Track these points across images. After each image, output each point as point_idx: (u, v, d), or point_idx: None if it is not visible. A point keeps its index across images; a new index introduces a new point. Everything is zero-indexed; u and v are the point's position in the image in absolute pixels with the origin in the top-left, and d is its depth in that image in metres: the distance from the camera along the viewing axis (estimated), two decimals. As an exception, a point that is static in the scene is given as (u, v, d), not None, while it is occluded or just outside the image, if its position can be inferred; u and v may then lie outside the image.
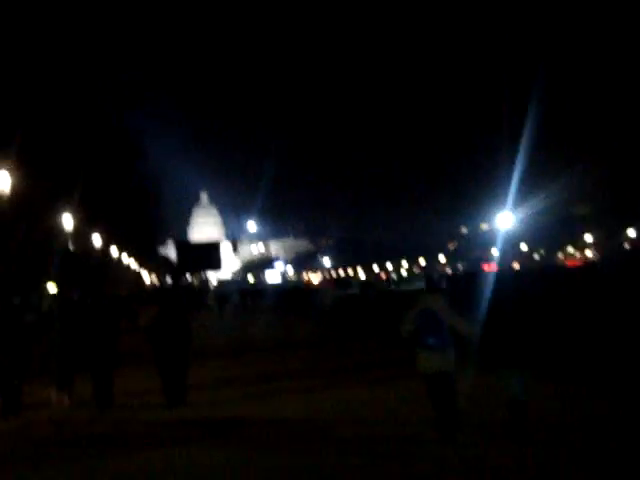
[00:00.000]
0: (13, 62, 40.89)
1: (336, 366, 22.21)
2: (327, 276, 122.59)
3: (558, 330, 18.78)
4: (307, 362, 23.52)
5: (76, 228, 52.48)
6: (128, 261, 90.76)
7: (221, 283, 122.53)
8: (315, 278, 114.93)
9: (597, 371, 16.77)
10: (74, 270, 51.25)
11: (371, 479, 10.35)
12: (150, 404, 16.78)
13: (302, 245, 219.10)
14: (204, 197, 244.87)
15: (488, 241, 68.87)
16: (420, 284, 34.90)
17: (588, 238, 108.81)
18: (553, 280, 31.54)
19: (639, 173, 72.57)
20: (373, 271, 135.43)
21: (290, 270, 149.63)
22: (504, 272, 24.19)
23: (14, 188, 35.89)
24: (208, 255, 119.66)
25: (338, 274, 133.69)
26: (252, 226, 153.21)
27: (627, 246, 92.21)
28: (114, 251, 75.88)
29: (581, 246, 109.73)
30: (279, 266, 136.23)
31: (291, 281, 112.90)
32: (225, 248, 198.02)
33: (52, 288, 48.06)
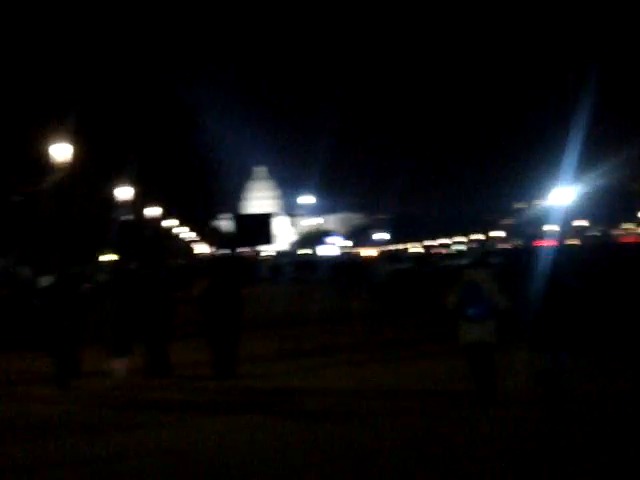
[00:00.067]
0: (72, 35, 41.16)
1: (389, 340, 22.18)
2: (382, 250, 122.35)
3: (613, 307, 18.51)
4: (360, 336, 23.49)
5: (133, 199, 52.88)
6: (184, 232, 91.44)
7: (276, 255, 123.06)
8: (370, 252, 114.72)
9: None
10: (131, 241, 51.72)
11: (410, 451, 10.31)
12: (201, 375, 16.88)
13: (358, 219, 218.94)
14: (260, 171, 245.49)
15: (544, 217, 67.98)
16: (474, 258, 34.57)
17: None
18: (610, 257, 31.07)
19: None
20: (428, 246, 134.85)
21: (345, 243, 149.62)
22: (561, 248, 23.90)
23: (73, 159, 36.20)
24: (260, 230, 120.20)
25: (394, 249, 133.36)
26: (308, 200, 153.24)
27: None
28: (170, 222, 76.44)
29: (637, 223, 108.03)
30: (335, 240, 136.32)
31: (346, 254, 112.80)
32: (281, 221, 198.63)
33: (109, 258, 48.56)
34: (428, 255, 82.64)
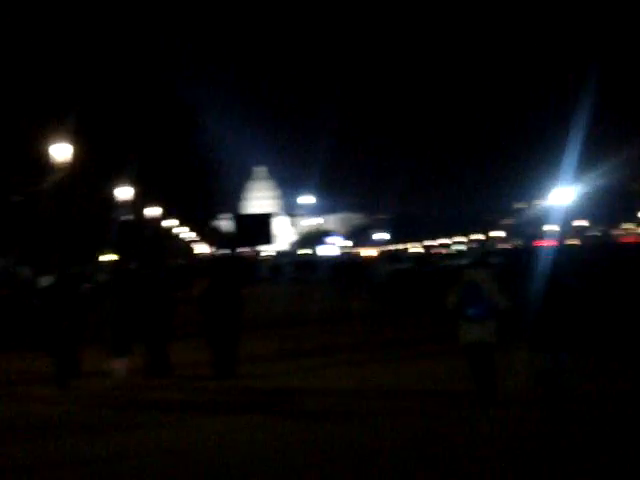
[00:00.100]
0: (72, 35, 41.16)
1: (389, 340, 22.20)
2: (382, 250, 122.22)
3: (612, 307, 18.51)
4: (360, 336, 23.51)
5: (133, 199, 52.88)
6: (184, 232, 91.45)
7: (276, 255, 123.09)
8: (370, 252, 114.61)
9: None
10: (131, 241, 51.73)
11: (410, 451, 10.31)
12: (201, 375, 16.88)
13: (357, 219, 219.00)
14: (260, 171, 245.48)
15: (544, 217, 67.96)
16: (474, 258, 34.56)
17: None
18: (609, 257, 31.06)
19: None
20: (428, 246, 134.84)
21: (345, 243, 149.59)
22: (561, 248, 23.91)
23: (73, 159, 36.20)
24: (260, 230, 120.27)
25: (393, 249, 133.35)
26: (308, 200, 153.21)
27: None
28: (170, 222, 76.44)
29: (637, 223, 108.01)
30: (334, 239, 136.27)
31: (346, 254, 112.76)
32: (281, 221, 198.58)
33: (109, 259, 48.56)
34: (428, 255, 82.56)
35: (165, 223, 73.90)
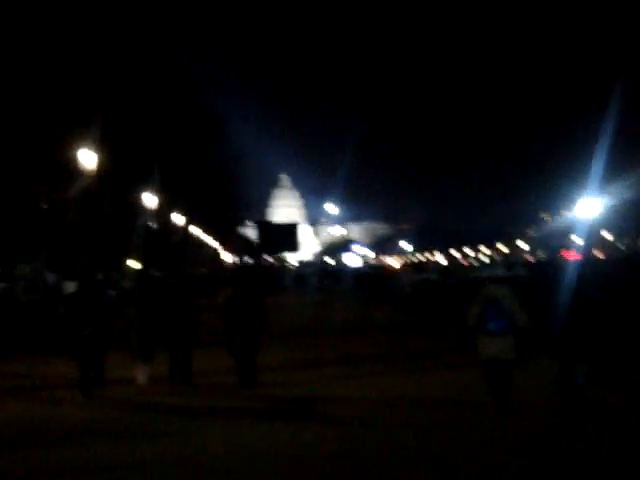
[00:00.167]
0: (100, 45, 41.47)
1: (412, 351, 22.17)
2: (406, 261, 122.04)
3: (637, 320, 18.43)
4: (382, 346, 23.49)
5: (158, 207, 53.11)
6: (208, 240, 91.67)
7: (300, 265, 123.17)
8: (394, 262, 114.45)
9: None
10: (156, 248, 51.95)
11: (429, 461, 10.34)
12: (224, 383, 16.93)
13: (382, 229, 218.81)
14: (285, 179, 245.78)
15: (569, 228, 67.62)
16: (498, 271, 34.53)
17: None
18: (634, 270, 30.89)
19: None
20: (453, 256, 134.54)
21: (369, 253, 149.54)
22: (587, 261, 23.83)
23: (100, 167, 36.45)
24: (286, 237, 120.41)
25: (417, 259, 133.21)
26: (332, 209, 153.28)
27: None
28: (195, 230, 76.67)
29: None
30: (358, 249, 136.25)
31: (370, 265, 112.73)
32: (305, 230, 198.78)
33: (134, 265, 48.79)
34: (452, 266, 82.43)
35: (192, 230, 74.16)
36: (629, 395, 14.01)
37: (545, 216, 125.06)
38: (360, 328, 29.83)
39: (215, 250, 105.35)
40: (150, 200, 51.18)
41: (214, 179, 70.30)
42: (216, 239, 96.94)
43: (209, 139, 66.53)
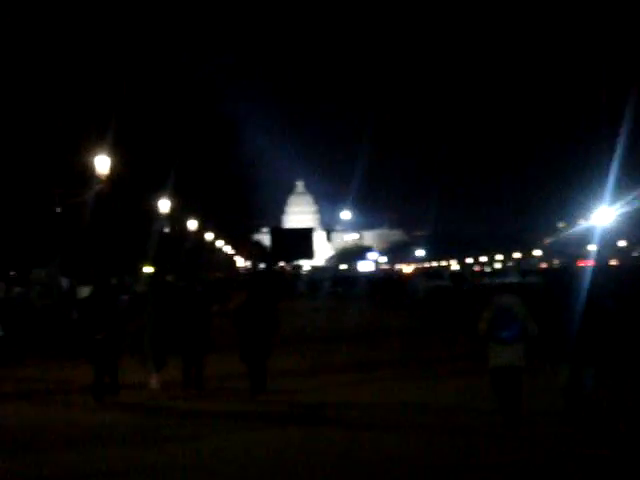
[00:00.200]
0: (112, 48, 41.64)
1: (425, 356, 22.12)
2: (420, 267, 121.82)
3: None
4: (396, 352, 23.44)
5: (172, 212, 53.26)
6: (223, 246, 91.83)
7: (314, 270, 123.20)
8: (408, 269, 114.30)
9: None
10: (170, 253, 52.07)
11: (437, 466, 10.35)
12: (236, 388, 16.95)
13: (396, 235, 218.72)
14: (300, 185, 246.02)
15: (585, 237, 67.41)
16: (513, 278, 34.45)
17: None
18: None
19: None
20: (467, 264, 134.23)
21: (383, 260, 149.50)
22: (600, 268, 23.73)
23: (113, 172, 36.58)
24: (300, 244, 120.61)
25: (431, 266, 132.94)
26: (347, 215, 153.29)
27: None
28: (209, 236, 76.82)
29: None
30: (373, 256, 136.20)
31: (384, 270, 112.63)
32: (319, 237, 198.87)
33: (148, 270, 48.89)
34: (466, 273, 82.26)
35: (206, 236, 74.31)
36: (636, 400, 13.98)
37: (562, 225, 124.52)
38: (373, 334, 29.79)
39: (229, 256, 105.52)
40: (165, 205, 51.34)
41: (229, 185, 70.45)
42: (230, 245, 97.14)
43: (224, 146, 66.68)
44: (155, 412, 14.95)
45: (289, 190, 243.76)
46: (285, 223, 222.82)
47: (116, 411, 15.16)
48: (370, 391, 16.52)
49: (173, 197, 52.33)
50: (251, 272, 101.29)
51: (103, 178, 35.90)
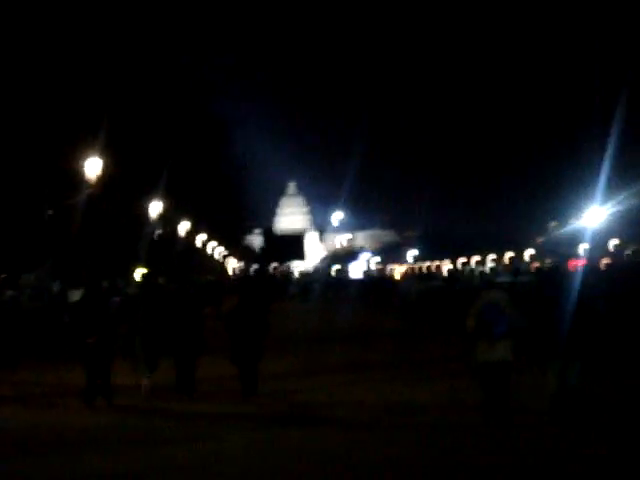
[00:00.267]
0: (102, 49, 41.60)
1: (417, 358, 22.14)
2: (412, 268, 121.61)
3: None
4: (388, 353, 23.46)
5: (164, 214, 53.19)
6: (214, 249, 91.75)
7: (305, 273, 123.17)
8: (400, 269, 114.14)
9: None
10: (162, 255, 51.99)
11: (430, 467, 10.39)
12: (227, 391, 16.93)
13: (388, 236, 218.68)
14: (291, 186, 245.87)
15: (577, 236, 67.50)
16: (505, 277, 34.45)
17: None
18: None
19: None
20: (459, 264, 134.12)
21: (375, 261, 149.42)
22: (592, 268, 23.78)
23: (104, 174, 36.52)
24: (293, 246, 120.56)
25: (424, 267, 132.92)
26: (339, 216, 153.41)
27: None
28: (201, 237, 76.74)
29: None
30: (365, 257, 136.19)
31: (376, 273, 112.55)
32: (311, 238, 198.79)
33: (139, 273, 48.77)
34: (457, 273, 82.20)
35: (198, 239, 74.25)
36: (625, 397, 14.03)
37: (553, 225, 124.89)
38: (365, 335, 29.79)
39: (221, 258, 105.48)
40: (157, 207, 51.28)
41: (221, 187, 70.39)
42: (221, 245, 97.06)
43: (216, 147, 66.62)
44: (149, 414, 14.95)
45: (281, 191, 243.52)
46: (277, 224, 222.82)
47: (110, 414, 15.14)
48: (362, 392, 16.53)
49: (165, 199, 52.28)
50: (243, 275, 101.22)
51: (94, 181, 35.84)
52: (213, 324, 20.52)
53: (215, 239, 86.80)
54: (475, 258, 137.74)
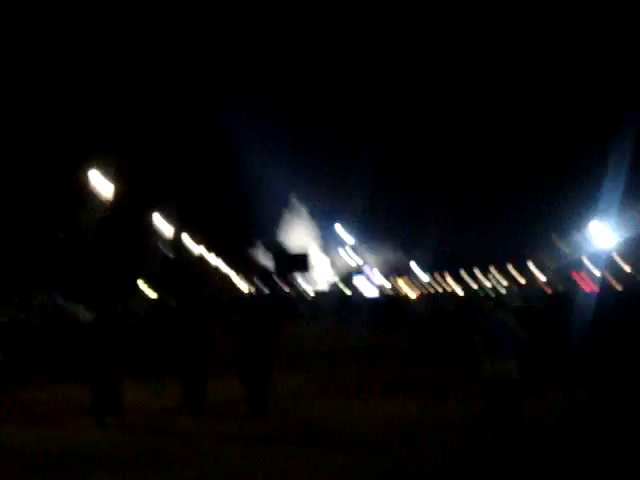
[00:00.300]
0: (113, 69, 41.86)
1: (427, 379, 22.17)
2: (421, 288, 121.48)
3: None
4: (398, 374, 23.49)
5: (174, 234, 53.34)
6: (222, 266, 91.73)
7: (315, 293, 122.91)
8: (409, 290, 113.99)
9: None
10: (171, 274, 52.08)
11: None
12: (235, 411, 16.93)
13: (396, 257, 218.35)
14: (297, 202, 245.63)
15: (579, 250, 67.20)
16: (516, 302, 34.36)
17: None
18: None
19: None
20: (466, 282, 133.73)
21: (381, 278, 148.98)
22: (602, 295, 23.73)
23: (113, 192, 36.66)
24: (304, 265, 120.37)
25: (433, 288, 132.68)
26: (343, 232, 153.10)
27: None
28: (209, 257, 76.79)
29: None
30: (372, 277, 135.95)
31: (385, 293, 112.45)
32: (316, 255, 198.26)
33: (149, 292, 48.89)
34: (468, 296, 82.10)
35: (208, 259, 74.34)
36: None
37: (555, 238, 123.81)
38: (375, 356, 29.80)
39: (229, 276, 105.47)
40: (164, 226, 51.45)
41: (228, 204, 70.48)
42: (230, 265, 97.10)
43: (223, 163, 66.68)
44: (159, 433, 14.95)
45: (287, 207, 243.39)
46: (280, 238, 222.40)
47: (120, 432, 15.14)
48: (372, 412, 16.53)
49: (173, 218, 52.45)
50: (252, 295, 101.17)
51: (103, 200, 35.98)
52: (222, 344, 20.54)
53: (222, 258, 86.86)
54: (478, 271, 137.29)
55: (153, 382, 17.49)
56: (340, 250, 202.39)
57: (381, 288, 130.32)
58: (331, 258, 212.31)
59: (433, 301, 54.92)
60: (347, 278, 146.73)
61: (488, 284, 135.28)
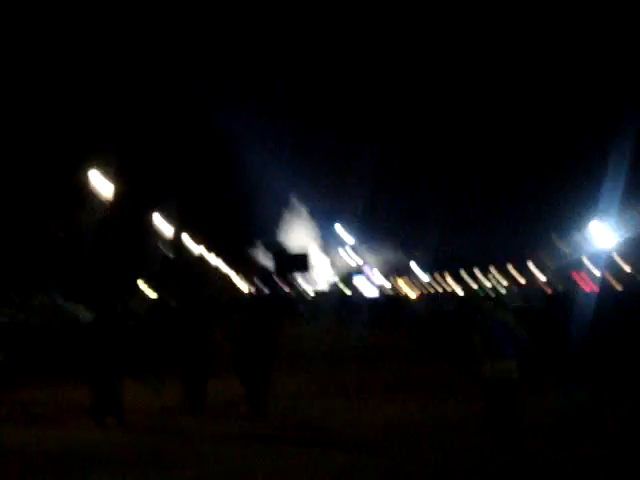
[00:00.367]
0: (113, 70, 41.88)
1: (427, 379, 22.17)
2: (421, 288, 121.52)
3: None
4: (398, 374, 23.48)
5: (174, 234, 53.34)
6: (223, 266, 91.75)
7: (315, 294, 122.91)
8: (409, 290, 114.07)
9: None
10: (171, 274, 52.09)
11: None
12: (235, 411, 16.94)
13: (396, 256, 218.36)
14: (296, 201, 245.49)
15: (579, 250, 67.15)
16: (516, 302, 34.35)
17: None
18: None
19: None
20: (466, 282, 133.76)
21: (381, 278, 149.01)
22: (605, 297, 23.71)
23: (113, 192, 36.68)
24: (303, 264, 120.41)
25: (433, 288, 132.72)
26: (343, 232, 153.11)
27: None
28: (209, 256, 76.82)
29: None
30: (372, 277, 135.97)
31: (384, 293, 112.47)
32: (316, 255, 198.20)
33: (147, 291, 48.89)
34: (468, 296, 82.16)
35: (208, 259, 74.33)
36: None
37: (555, 238, 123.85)
38: (375, 356, 29.81)
39: (229, 276, 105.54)
40: (164, 226, 51.45)
41: (228, 204, 70.50)
42: (230, 265, 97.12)
43: (222, 163, 66.69)
44: (159, 433, 14.95)
45: (287, 206, 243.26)
46: (280, 238, 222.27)
47: (120, 432, 15.15)
48: (372, 412, 16.53)
49: (173, 217, 52.45)
50: (252, 295, 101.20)
51: (103, 199, 35.98)
52: (221, 344, 20.54)
53: (222, 258, 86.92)
54: (478, 271, 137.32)
55: (153, 382, 17.49)
56: (340, 250, 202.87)
57: (381, 288, 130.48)
58: (331, 258, 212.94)
59: (433, 301, 54.99)
60: (347, 278, 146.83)
61: (488, 284, 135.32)
